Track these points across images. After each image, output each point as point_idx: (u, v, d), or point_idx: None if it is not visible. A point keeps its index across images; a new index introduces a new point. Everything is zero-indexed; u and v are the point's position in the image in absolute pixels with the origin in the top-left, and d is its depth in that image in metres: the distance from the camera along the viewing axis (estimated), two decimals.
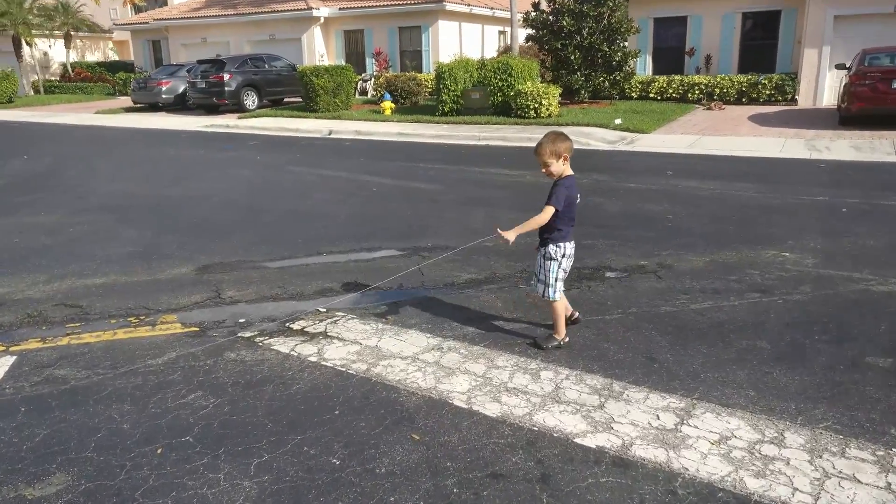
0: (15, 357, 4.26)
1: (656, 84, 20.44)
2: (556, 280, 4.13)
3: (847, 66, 15.14)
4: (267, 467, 3.01)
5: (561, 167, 3.98)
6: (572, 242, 4.15)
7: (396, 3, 25.55)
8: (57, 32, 36.16)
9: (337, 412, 3.49)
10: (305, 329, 4.59)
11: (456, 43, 26.11)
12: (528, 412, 3.46)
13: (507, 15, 23.53)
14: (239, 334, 4.52)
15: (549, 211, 3.96)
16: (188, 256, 6.38)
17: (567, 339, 4.25)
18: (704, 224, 7.13)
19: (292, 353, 4.21)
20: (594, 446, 3.16)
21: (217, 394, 3.70)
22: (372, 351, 4.22)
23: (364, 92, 24.90)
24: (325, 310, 4.94)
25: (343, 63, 24.58)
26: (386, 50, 26.33)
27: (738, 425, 3.30)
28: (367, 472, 2.97)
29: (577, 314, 4.48)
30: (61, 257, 6.48)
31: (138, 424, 3.41)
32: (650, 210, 7.83)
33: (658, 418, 3.37)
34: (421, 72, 24.93)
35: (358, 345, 4.32)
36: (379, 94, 21.36)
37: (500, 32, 29.72)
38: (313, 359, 4.12)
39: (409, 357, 4.12)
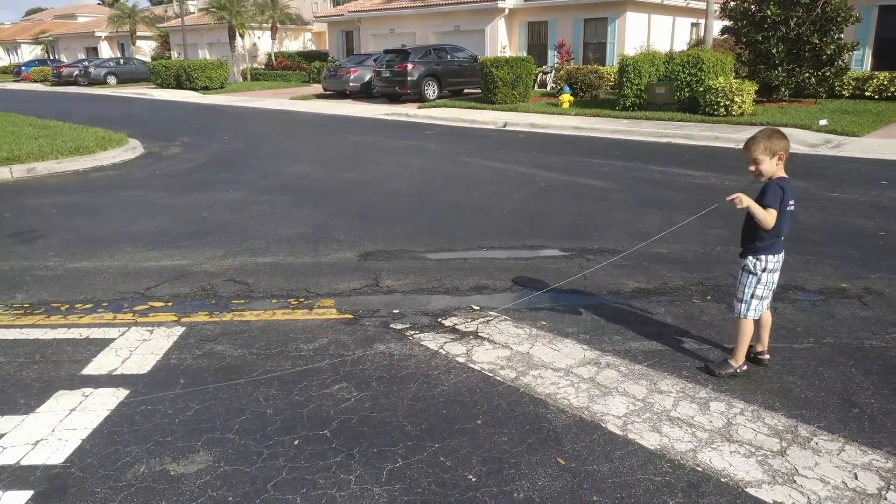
0: (184, 328, 4.51)
1: (875, 81, 18.00)
2: (751, 296, 3.62)
3: None
4: (400, 475, 2.87)
5: (773, 167, 3.47)
6: (778, 255, 3.60)
7: None
8: (265, 25, 39.58)
9: (479, 422, 3.29)
10: (456, 326, 4.44)
11: (643, 35, 24.87)
12: (693, 448, 3.03)
13: (701, 6, 21.97)
14: (391, 326, 4.47)
15: (773, 214, 3.43)
16: (353, 242, 6.51)
17: (745, 368, 3.72)
18: None
19: (441, 350, 4.08)
20: (770, 501, 2.68)
21: (361, 387, 3.65)
22: (523, 358, 3.97)
23: (544, 84, 24.55)
24: (478, 308, 4.76)
25: (524, 55, 24.38)
26: (569, 42, 25.73)
27: None
28: (504, 495, 2.73)
29: (767, 356, 3.84)
30: (239, 234, 6.89)
31: (281, 411, 3.43)
32: (856, 224, 6.80)
33: (856, 478, 2.80)
34: (604, 65, 24.06)
35: (509, 349, 4.09)
36: (559, 87, 20.93)
37: (693, 25, 27.89)
38: (461, 359, 3.95)
39: (562, 369, 3.81)
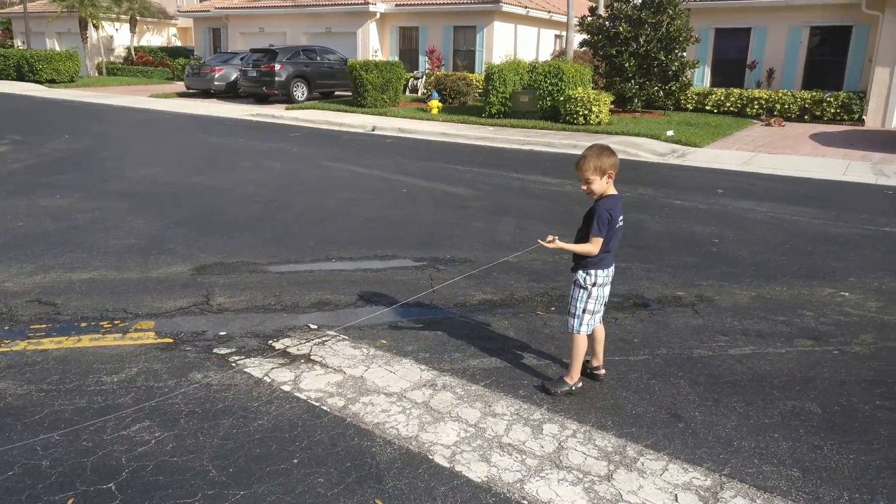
0: None
1: (713, 97, 19.42)
2: (582, 311, 3.57)
3: None
4: None
5: (604, 185, 3.43)
6: (607, 270, 3.57)
7: (453, 2, 25.07)
8: (123, 17, 36.92)
9: (295, 461, 2.98)
10: (288, 349, 4.11)
11: (510, 45, 25.45)
12: (521, 479, 2.89)
13: (564, 19, 22.77)
14: (214, 350, 4.06)
15: (597, 243, 3.43)
16: (189, 253, 5.99)
17: (580, 385, 3.66)
18: (754, 251, 6.39)
19: (265, 378, 3.73)
20: None
21: (166, 426, 3.22)
22: (355, 383, 3.71)
23: (415, 90, 24.49)
24: (315, 327, 4.46)
25: (396, 59, 24.22)
26: (440, 48, 25.85)
27: None
28: None
29: (602, 371, 3.81)
30: (57, 246, 6.16)
31: (59, 462, 2.93)
32: (695, 232, 7.12)
33: (676, 500, 2.77)
34: (473, 72, 24.35)
35: (341, 374, 3.81)
36: (428, 93, 20.92)
37: (557, 36, 28.90)
38: (287, 388, 3.63)
39: (395, 394, 3.59)
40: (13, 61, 30.62)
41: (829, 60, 19.61)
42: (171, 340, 4.20)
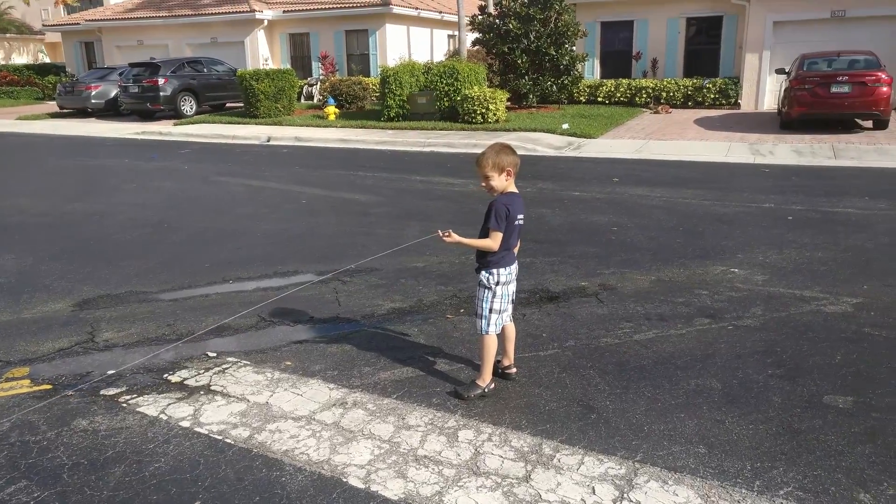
0: None
1: (604, 88, 20.16)
2: (489, 311, 3.53)
3: (787, 70, 15.06)
4: None
5: (503, 183, 3.42)
6: (510, 268, 3.54)
7: (342, 5, 24.76)
8: None
9: (198, 503, 2.78)
10: (185, 382, 3.86)
11: (404, 47, 25.43)
12: (439, 490, 2.81)
13: (456, 19, 22.95)
14: (101, 392, 3.75)
15: (497, 237, 3.40)
16: (69, 288, 5.54)
17: (493, 386, 3.63)
18: (651, 236, 6.62)
19: (161, 416, 3.47)
20: None
21: (47, 483, 2.92)
22: (260, 410, 3.52)
23: (310, 97, 24.02)
24: (214, 355, 4.21)
25: (288, 67, 23.66)
26: (332, 54, 25.47)
27: (687, 497, 2.72)
28: None
29: (513, 369, 3.79)
30: None
31: None
32: (594, 222, 7.29)
33: (594, 492, 2.77)
34: (368, 76, 24.17)
35: (245, 402, 3.61)
36: (324, 99, 20.57)
37: (450, 36, 29.13)
38: (186, 423, 3.39)
39: (303, 417, 3.43)
40: None
41: (706, 49, 20.76)
42: (49, 387, 3.83)
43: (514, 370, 3.80)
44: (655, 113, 18.29)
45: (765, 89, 18.53)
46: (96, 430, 3.34)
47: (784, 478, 2.83)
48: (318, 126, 17.24)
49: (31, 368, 4.08)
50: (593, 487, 2.80)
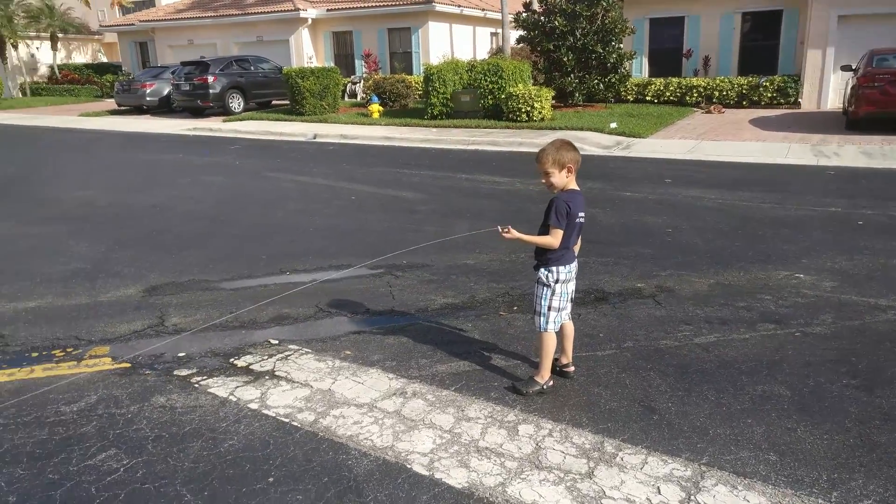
0: None
1: (653, 87, 19.82)
2: (548, 308, 3.54)
3: (853, 67, 14.51)
4: None
5: (564, 180, 3.42)
6: (569, 266, 3.54)
7: (385, 4, 24.94)
8: (43, 34, 35.46)
9: (271, 479, 2.88)
10: (251, 367, 3.98)
11: (447, 44, 25.51)
12: (502, 482, 2.85)
13: (499, 16, 22.94)
14: (175, 372, 3.91)
15: (557, 234, 3.40)
16: (138, 275, 5.76)
17: (552, 383, 3.65)
18: (708, 239, 6.52)
19: (231, 397, 3.60)
20: None
21: (133, 452, 3.10)
22: (323, 396, 3.61)
23: (353, 94, 24.28)
24: (277, 342, 4.33)
25: (332, 65, 23.96)
26: (375, 52, 25.70)
27: None
28: None
29: (571, 368, 3.80)
30: None
31: (28, 496, 2.80)
32: (647, 223, 7.23)
33: (659, 492, 2.77)
34: (411, 74, 24.32)
35: (308, 388, 3.70)
36: (368, 97, 20.77)
37: (493, 34, 29.13)
38: (254, 406, 3.51)
39: (365, 405, 3.51)
40: None
41: (763, 45, 20.08)
42: (128, 365, 4.02)
43: (572, 368, 3.82)
44: (707, 112, 17.95)
45: (828, 88, 17.92)
46: (173, 407, 3.51)
47: (864, 490, 2.75)
48: (362, 124, 17.42)
49: (110, 347, 4.29)
50: (658, 487, 2.80)
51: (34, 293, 5.38)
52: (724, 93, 18.94)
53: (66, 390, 3.72)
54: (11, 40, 33.34)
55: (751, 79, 18.87)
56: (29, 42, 35.90)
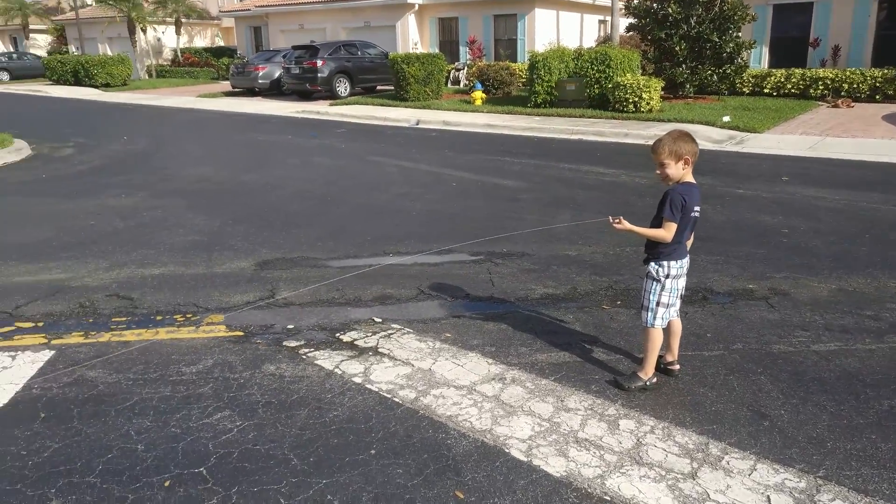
0: (53, 352, 4.03)
1: (772, 78, 18.69)
2: (656, 304, 3.45)
3: None
4: None
5: (680, 172, 3.32)
6: (681, 261, 3.44)
7: None
8: (168, 19, 37.75)
9: (373, 451, 2.98)
10: (355, 342, 4.11)
11: (553, 32, 25.13)
12: (601, 474, 2.82)
13: (608, 3, 22.36)
14: (284, 343, 4.11)
15: (671, 227, 3.31)
16: (250, 249, 6.07)
17: (655, 380, 3.56)
18: (829, 242, 6.13)
19: (336, 370, 3.74)
20: None
21: (245, 415, 3.29)
22: (424, 375, 3.68)
23: (457, 81, 24.41)
24: (380, 320, 4.45)
25: (436, 51, 24.16)
26: (480, 38, 25.69)
27: None
28: None
29: (676, 366, 3.69)
30: (128, 243, 6.34)
31: (153, 446, 3.04)
32: (761, 222, 6.88)
33: (769, 501, 2.65)
34: (515, 61, 24.15)
35: (410, 366, 3.79)
36: (471, 84, 20.82)
37: (601, 21, 28.45)
38: (358, 380, 3.63)
39: (465, 387, 3.55)
40: (70, 67, 31.61)
41: None
42: (241, 333, 4.26)
43: (677, 367, 3.71)
44: (834, 107, 16.71)
45: None
46: (282, 376, 3.69)
47: None
48: (464, 111, 17.47)
49: (225, 316, 4.55)
50: (769, 496, 2.68)
51: (158, 261, 5.78)
52: (855, 85, 17.54)
53: (186, 352, 3.99)
54: (141, 25, 35.67)
55: (886, 71, 17.33)
56: (156, 27, 38.32)
